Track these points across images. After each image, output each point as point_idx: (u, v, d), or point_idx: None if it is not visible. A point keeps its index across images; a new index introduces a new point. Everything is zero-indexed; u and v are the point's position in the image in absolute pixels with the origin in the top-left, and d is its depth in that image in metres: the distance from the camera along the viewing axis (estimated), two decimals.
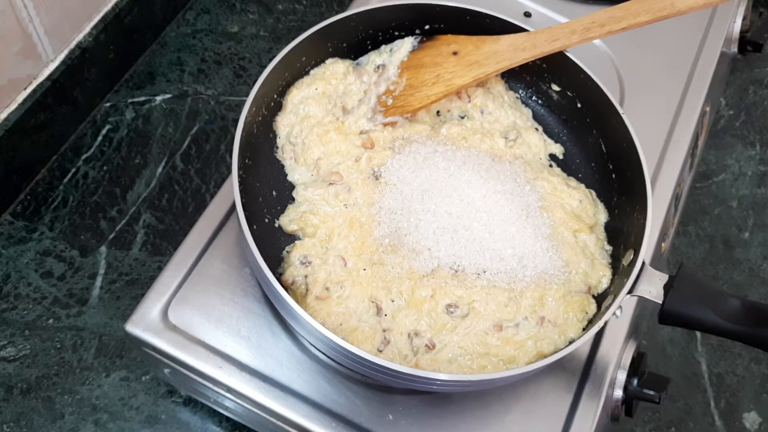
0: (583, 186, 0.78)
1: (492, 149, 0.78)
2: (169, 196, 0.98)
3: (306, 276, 0.68)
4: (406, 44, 0.77)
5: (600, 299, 0.71)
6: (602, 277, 0.71)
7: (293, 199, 0.74)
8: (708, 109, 0.97)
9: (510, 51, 0.74)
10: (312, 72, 0.79)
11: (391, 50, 0.78)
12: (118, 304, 0.90)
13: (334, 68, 0.79)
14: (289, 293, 0.61)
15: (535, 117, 0.83)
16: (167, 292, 0.72)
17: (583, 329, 0.68)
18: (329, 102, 0.77)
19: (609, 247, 0.74)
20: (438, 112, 0.80)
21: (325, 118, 0.76)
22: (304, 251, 0.70)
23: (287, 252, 0.71)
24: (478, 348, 0.67)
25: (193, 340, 0.70)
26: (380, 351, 0.66)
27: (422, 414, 0.69)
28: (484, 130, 0.79)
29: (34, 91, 0.92)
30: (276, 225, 0.73)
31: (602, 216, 0.76)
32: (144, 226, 0.95)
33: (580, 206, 0.76)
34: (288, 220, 0.73)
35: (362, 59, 0.80)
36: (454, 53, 0.74)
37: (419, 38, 0.77)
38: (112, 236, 0.94)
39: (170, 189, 0.99)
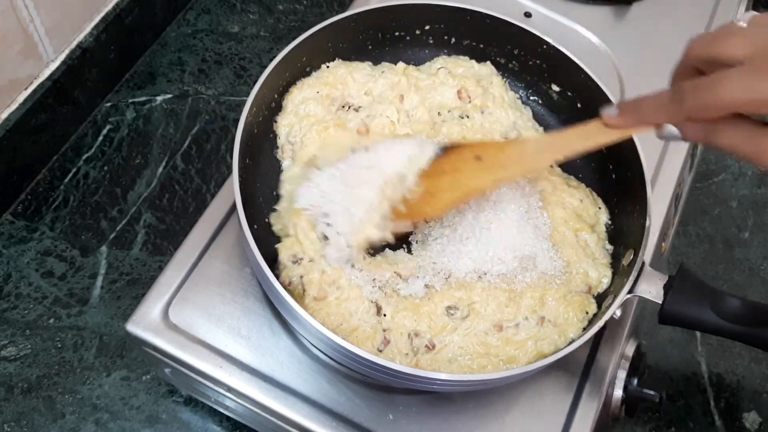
0: (583, 185, 0.78)
1: None
2: (169, 196, 0.98)
3: (301, 276, 0.68)
4: (427, 151, 0.71)
5: (600, 299, 0.71)
6: (602, 277, 0.71)
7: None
8: None
9: (536, 153, 0.69)
10: (314, 74, 0.79)
11: (409, 158, 0.72)
12: (118, 303, 0.90)
13: (337, 71, 0.79)
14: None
15: (535, 117, 0.83)
16: (168, 291, 0.72)
17: (584, 329, 0.68)
18: (332, 103, 0.77)
19: (610, 247, 0.74)
20: (439, 112, 0.80)
21: (326, 116, 0.76)
22: (291, 251, 0.69)
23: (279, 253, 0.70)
24: (478, 348, 0.67)
25: (193, 340, 0.71)
26: (380, 351, 0.66)
27: (422, 414, 0.69)
28: (484, 129, 0.79)
29: (35, 91, 0.92)
30: None
31: (603, 215, 0.76)
32: (145, 226, 0.96)
33: (581, 205, 0.76)
34: (274, 219, 0.72)
35: None
36: (477, 158, 0.69)
37: (442, 147, 0.71)
38: (112, 236, 0.94)
39: (171, 189, 0.99)
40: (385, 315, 0.67)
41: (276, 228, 0.71)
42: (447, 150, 0.70)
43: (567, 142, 0.66)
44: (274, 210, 0.72)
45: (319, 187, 0.70)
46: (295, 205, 0.70)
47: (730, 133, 0.52)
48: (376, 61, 0.81)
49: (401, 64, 0.81)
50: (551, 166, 0.80)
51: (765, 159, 0.51)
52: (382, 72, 0.80)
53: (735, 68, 0.50)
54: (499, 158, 0.68)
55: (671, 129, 0.56)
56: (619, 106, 0.60)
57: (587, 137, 0.64)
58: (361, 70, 0.80)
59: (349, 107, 0.77)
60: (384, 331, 0.67)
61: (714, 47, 0.53)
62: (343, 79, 0.79)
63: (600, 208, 0.77)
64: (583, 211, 0.75)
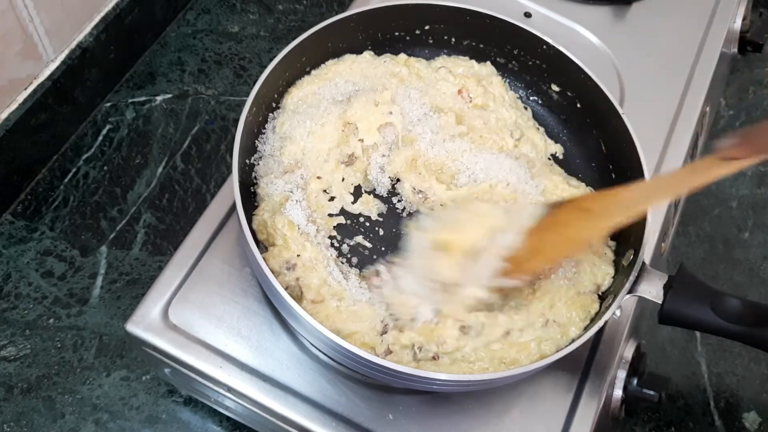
0: (583, 185, 0.78)
1: (499, 145, 0.78)
2: (169, 196, 0.98)
3: (298, 278, 0.67)
4: (530, 211, 0.70)
5: (602, 298, 0.71)
6: (606, 275, 0.71)
7: None
8: (708, 109, 0.97)
9: (650, 195, 0.67)
10: (313, 72, 0.79)
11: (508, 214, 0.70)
12: (118, 303, 0.90)
13: (336, 68, 0.79)
14: None
15: (535, 117, 0.83)
16: (168, 291, 0.72)
17: (585, 328, 0.68)
18: (329, 99, 0.77)
19: (612, 243, 0.74)
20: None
21: (324, 113, 0.76)
22: (282, 258, 0.67)
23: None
24: (482, 353, 0.66)
25: (193, 340, 0.70)
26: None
27: (422, 414, 0.69)
28: (489, 128, 0.79)
29: (35, 91, 0.92)
30: None
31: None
32: (144, 226, 0.96)
33: None
34: (257, 225, 0.70)
35: None
36: (587, 210, 0.68)
37: (549, 205, 0.70)
38: (112, 236, 0.94)
39: (171, 189, 0.99)
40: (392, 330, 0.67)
41: (260, 237, 0.69)
42: (555, 207, 0.69)
43: (681, 181, 0.65)
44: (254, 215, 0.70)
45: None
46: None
47: None
48: None
49: (402, 55, 0.81)
50: (552, 164, 0.79)
51: None
52: (384, 61, 0.80)
53: None
54: (610, 207, 0.67)
55: None
56: (738, 137, 0.58)
57: (703, 172, 0.61)
58: (361, 62, 0.80)
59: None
60: (388, 344, 0.66)
61: None
62: (341, 72, 0.78)
63: None
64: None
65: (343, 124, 0.75)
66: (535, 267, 0.69)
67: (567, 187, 0.76)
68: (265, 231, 0.69)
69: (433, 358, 0.65)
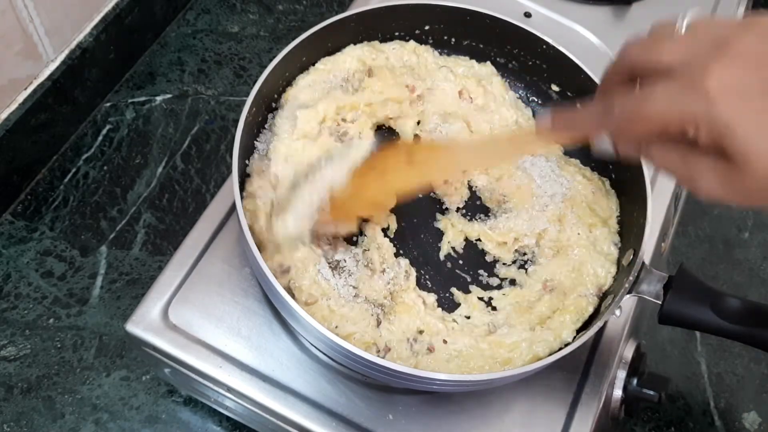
0: (596, 176, 0.78)
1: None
2: (169, 196, 0.98)
3: (290, 281, 0.67)
4: (364, 146, 0.70)
5: (601, 298, 0.71)
6: (608, 275, 0.71)
7: None
8: None
9: (465, 157, 0.66)
10: (311, 68, 0.78)
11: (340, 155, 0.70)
12: (118, 303, 0.90)
13: (336, 59, 0.79)
14: None
15: (535, 117, 0.83)
16: (167, 291, 0.72)
17: (577, 331, 0.68)
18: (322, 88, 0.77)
19: (617, 238, 0.73)
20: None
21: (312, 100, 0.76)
22: (276, 260, 0.67)
23: None
24: (471, 351, 0.67)
25: (193, 340, 0.70)
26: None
27: (422, 414, 0.69)
28: (491, 125, 0.79)
29: (35, 91, 0.92)
30: None
31: (614, 206, 0.76)
32: (144, 226, 0.96)
33: (593, 198, 0.75)
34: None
35: None
36: (408, 160, 0.66)
37: (378, 144, 0.70)
38: (112, 236, 0.94)
39: (170, 189, 0.99)
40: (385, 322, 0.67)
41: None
42: (381, 148, 0.69)
43: (497, 149, 0.65)
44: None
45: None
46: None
47: (662, 153, 0.47)
48: None
49: (412, 42, 0.81)
50: (564, 153, 0.80)
51: (697, 185, 0.46)
52: (393, 48, 0.80)
53: (663, 79, 0.45)
54: (428, 160, 0.66)
55: (605, 142, 0.51)
56: (552, 114, 0.56)
57: (518, 144, 0.62)
58: (368, 51, 0.80)
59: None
60: (386, 342, 0.66)
61: (646, 54, 0.48)
62: (340, 64, 0.78)
63: (611, 198, 0.76)
64: (596, 204, 0.75)
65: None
66: (355, 212, 0.68)
67: (581, 178, 0.76)
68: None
69: (429, 350, 0.65)
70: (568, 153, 0.80)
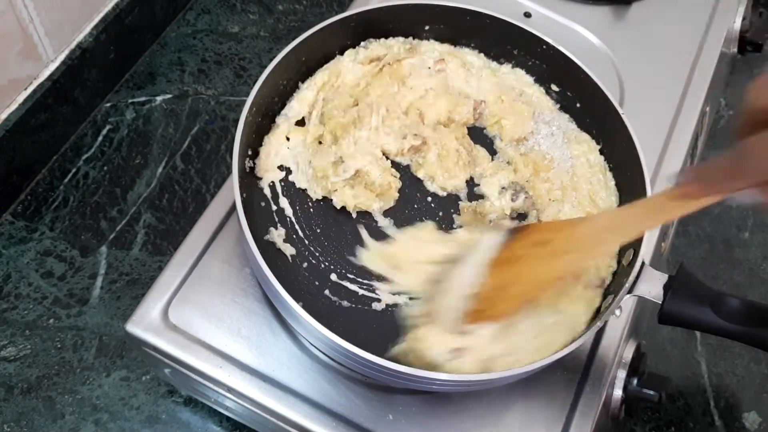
0: (599, 162, 0.78)
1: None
2: (169, 196, 0.98)
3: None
4: (491, 238, 0.63)
5: (602, 296, 0.71)
6: (609, 269, 0.71)
7: None
8: (708, 109, 0.97)
9: (607, 233, 0.61)
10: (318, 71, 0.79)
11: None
12: (118, 304, 0.90)
13: (336, 66, 0.79)
14: None
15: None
16: (168, 291, 0.72)
17: (586, 324, 0.68)
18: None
19: None
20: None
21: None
22: None
23: None
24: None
25: (193, 340, 0.70)
26: None
27: (422, 414, 0.69)
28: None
29: (35, 91, 0.92)
30: None
31: (614, 199, 0.75)
32: (144, 226, 0.96)
33: (592, 189, 0.75)
34: None
35: None
36: (544, 243, 0.61)
37: (510, 231, 0.64)
38: (112, 236, 0.94)
39: (170, 189, 0.99)
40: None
41: None
42: (514, 233, 0.63)
43: (640, 219, 0.60)
44: None
45: None
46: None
47: None
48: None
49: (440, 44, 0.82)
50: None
51: None
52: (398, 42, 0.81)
53: None
54: (567, 242, 0.61)
55: (750, 193, 0.48)
56: (692, 173, 0.52)
57: (662, 211, 0.56)
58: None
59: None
60: None
61: None
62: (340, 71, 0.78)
63: (611, 190, 0.76)
64: (595, 195, 0.75)
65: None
66: (505, 310, 0.62)
67: (586, 162, 0.77)
68: None
69: None
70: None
